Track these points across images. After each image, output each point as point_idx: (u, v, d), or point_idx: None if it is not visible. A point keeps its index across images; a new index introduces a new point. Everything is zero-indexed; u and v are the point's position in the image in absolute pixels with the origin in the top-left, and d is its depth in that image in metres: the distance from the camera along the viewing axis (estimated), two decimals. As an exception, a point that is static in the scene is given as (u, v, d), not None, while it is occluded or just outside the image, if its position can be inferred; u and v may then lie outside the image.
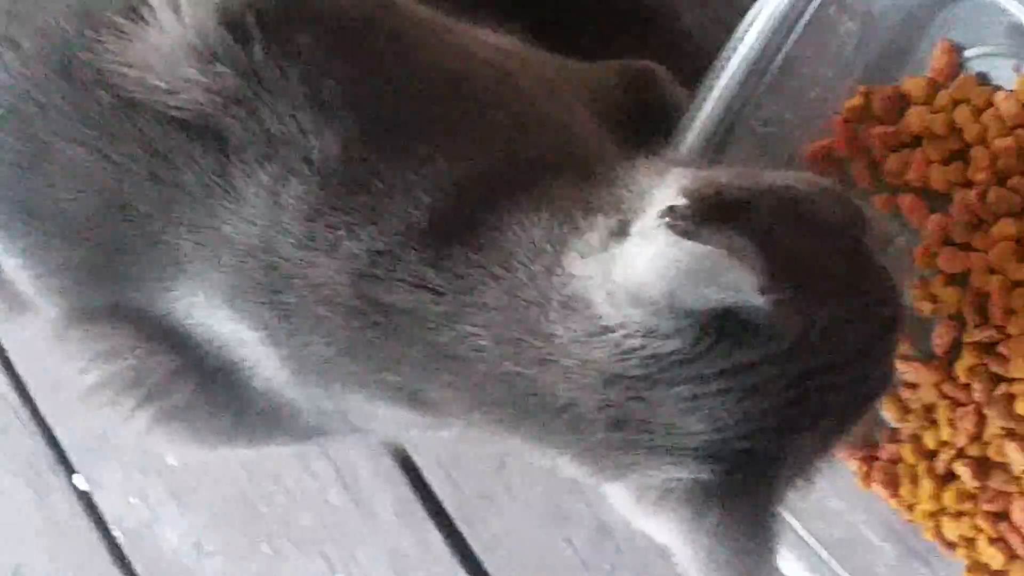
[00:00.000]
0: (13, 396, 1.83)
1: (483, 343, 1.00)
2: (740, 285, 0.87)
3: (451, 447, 1.50)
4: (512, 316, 0.99)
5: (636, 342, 0.93)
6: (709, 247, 0.87)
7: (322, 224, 1.03)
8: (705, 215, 0.91)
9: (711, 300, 0.89)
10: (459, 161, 1.05)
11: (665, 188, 0.97)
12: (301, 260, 1.04)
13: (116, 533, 1.75)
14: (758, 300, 0.88)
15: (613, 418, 0.96)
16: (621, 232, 0.96)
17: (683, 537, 0.97)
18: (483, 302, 1.00)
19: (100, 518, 1.76)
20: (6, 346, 1.84)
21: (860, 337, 0.99)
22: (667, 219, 0.90)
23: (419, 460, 1.55)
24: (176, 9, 1.06)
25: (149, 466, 1.72)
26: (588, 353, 0.95)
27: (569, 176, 1.05)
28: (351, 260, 1.03)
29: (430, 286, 1.01)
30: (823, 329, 0.95)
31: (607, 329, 0.94)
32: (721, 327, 0.92)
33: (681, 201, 0.92)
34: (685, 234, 0.88)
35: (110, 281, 1.12)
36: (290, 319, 1.06)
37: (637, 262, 0.91)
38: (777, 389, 0.94)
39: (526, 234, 1.01)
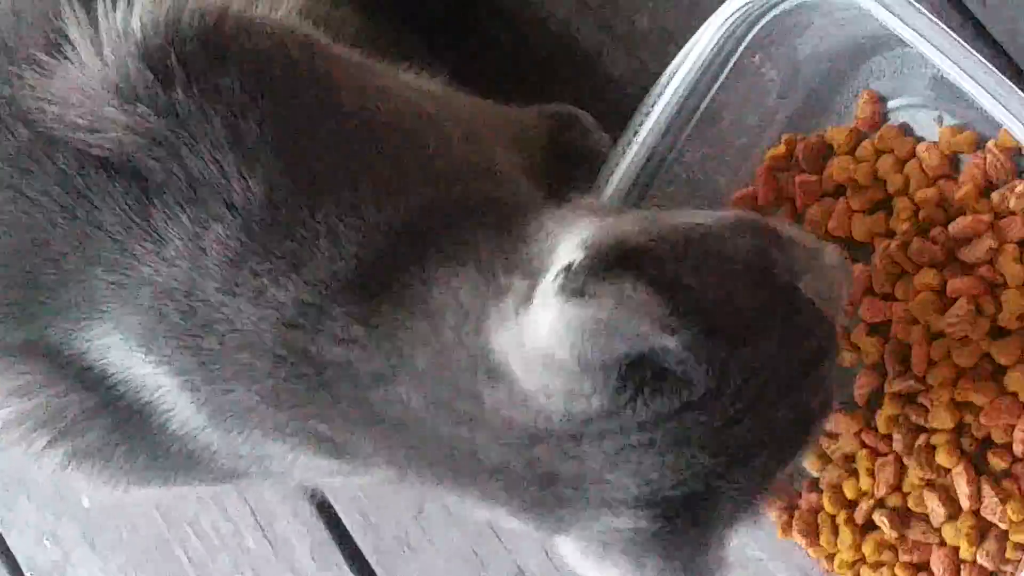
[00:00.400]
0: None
1: (415, 405, 0.99)
2: (640, 332, 0.88)
3: (371, 490, 1.50)
4: (443, 378, 0.99)
5: (558, 404, 0.93)
6: (601, 301, 0.88)
7: (246, 270, 1.02)
8: (605, 267, 0.91)
9: (618, 352, 0.90)
10: (385, 209, 1.04)
11: (569, 243, 0.97)
12: (224, 305, 1.03)
13: (28, 575, 1.74)
14: (662, 343, 0.89)
15: (545, 475, 0.96)
16: (529, 298, 0.95)
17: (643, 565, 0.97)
18: (413, 364, 1.00)
19: (13, 560, 1.74)
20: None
21: (788, 370, 0.99)
22: (560, 279, 0.91)
23: (337, 505, 1.54)
24: (97, 46, 1.05)
25: (63, 508, 1.71)
26: (513, 416, 0.95)
27: (492, 221, 1.04)
28: (276, 309, 1.02)
29: (359, 343, 1.01)
30: (744, 368, 0.95)
31: (528, 395, 0.94)
32: (639, 378, 0.91)
33: (579, 256, 0.92)
34: (576, 293, 0.89)
35: (25, 318, 1.11)
36: (210, 365, 1.05)
37: (540, 329, 0.92)
38: (703, 433, 0.94)
39: (452, 295, 1.00)
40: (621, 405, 0.92)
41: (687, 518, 0.96)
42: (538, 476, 0.97)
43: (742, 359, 0.95)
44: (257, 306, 1.02)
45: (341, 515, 1.54)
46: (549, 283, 0.91)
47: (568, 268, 0.91)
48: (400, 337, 1.00)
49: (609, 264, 0.92)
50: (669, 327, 0.89)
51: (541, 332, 0.91)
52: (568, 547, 1.01)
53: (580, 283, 0.90)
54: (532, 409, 0.94)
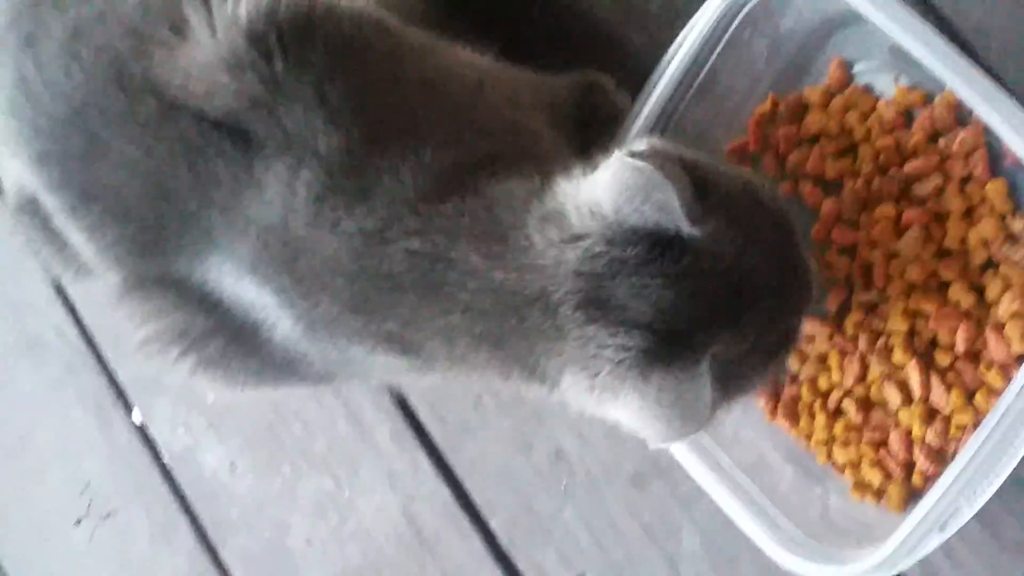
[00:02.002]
0: (81, 344, 1.83)
1: (473, 260, 1.03)
2: (669, 205, 0.95)
3: (436, 387, 1.51)
4: (494, 236, 1.03)
5: (600, 248, 0.99)
6: (644, 163, 0.93)
7: (327, 206, 1.04)
8: (664, 158, 0.97)
9: (649, 219, 0.96)
10: (439, 153, 1.06)
11: (639, 140, 1.06)
12: (309, 236, 1.05)
13: (165, 458, 1.76)
14: (684, 224, 0.96)
15: (580, 300, 0.99)
16: (595, 166, 1.01)
17: (631, 396, 1.00)
18: (472, 233, 1.04)
19: (153, 445, 1.77)
20: (75, 302, 1.83)
21: (780, 286, 1.04)
22: (627, 151, 0.96)
23: (411, 399, 1.55)
24: (212, 28, 1.07)
25: (192, 403, 1.73)
26: (562, 255, 1.00)
27: (528, 166, 1.07)
28: (349, 236, 1.05)
29: (419, 248, 1.04)
30: (752, 265, 1.01)
31: (577, 237, 0.99)
32: (669, 242, 0.97)
33: (645, 145, 1.00)
34: (632, 155, 0.94)
35: (156, 254, 1.13)
36: (302, 284, 1.08)
37: (598, 183, 0.98)
38: (712, 294, 0.99)
39: (503, 185, 1.06)
40: (653, 258, 0.98)
41: (688, 346, 0.99)
42: (574, 300, 1.00)
43: (755, 260, 1.01)
44: (333, 234, 1.05)
45: (414, 407, 1.56)
46: (617, 152, 0.97)
47: (635, 150, 0.97)
48: (456, 220, 1.04)
49: (667, 159, 0.96)
50: (696, 215, 0.96)
51: (598, 185, 0.98)
52: (578, 384, 1.03)
53: (642, 156, 0.95)
54: (578, 250, 0.99)
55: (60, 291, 1.85)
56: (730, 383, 1.04)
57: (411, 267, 1.04)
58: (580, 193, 1.01)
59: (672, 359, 0.99)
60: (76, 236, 1.17)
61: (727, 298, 1.00)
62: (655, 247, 0.98)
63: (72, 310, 1.84)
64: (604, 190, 0.98)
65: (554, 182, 1.04)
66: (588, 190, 1.00)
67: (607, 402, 1.02)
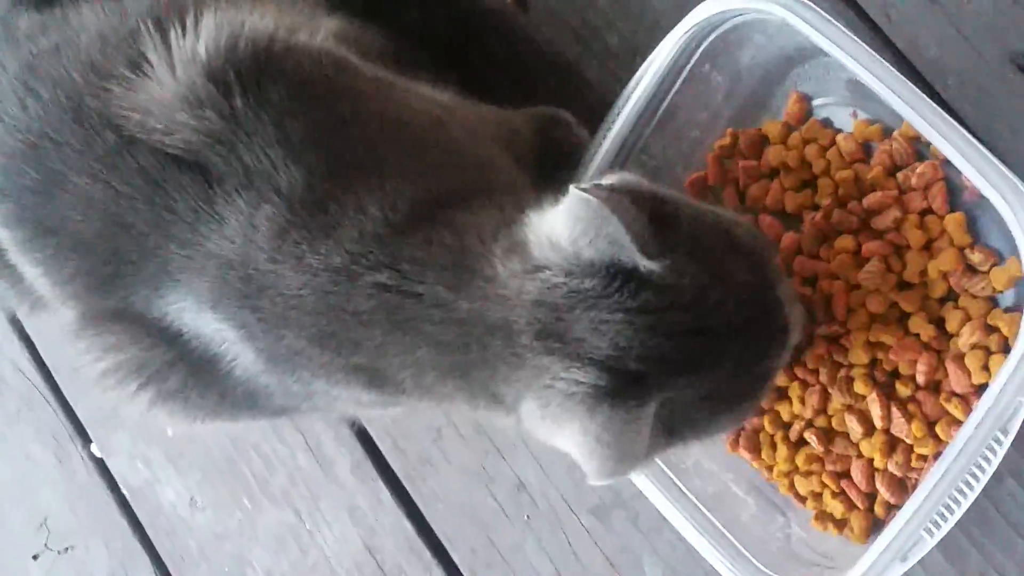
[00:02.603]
0: (38, 379, 1.82)
1: (439, 292, 1.02)
2: (619, 239, 0.95)
3: (399, 420, 1.51)
4: (461, 267, 1.03)
5: (559, 279, 0.98)
6: (592, 197, 0.93)
7: (289, 242, 1.04)
8: (622, 190, 0.97)
9: (605, 252, 0.96)
10: (403, 187, 1.06)
11: (597, 175, 1.07)
12: (272, 272, 1.05)
13: (124, 491, 1.74)
14: (640, 258, 0.96)
15: (539, 330, 0.99)
16: (559, 201, 1.01)
17: (576, 430, 0.99)
18: (439, 264, 1.03)
19: (112, 479, 1.75)
20: (32, 336, 1.82)
21: (747, 329, 1.02)
22: (586, 184, 0.96)
23: (372, 430, 1.55)
24: (171, 66, 1.07)
25: (151, 437, 1.72)
26: (523, 285, 1.00)
27: (489, 199, 1.07)
28: (313, 274, 1.04)
29: (385, 285, 1.04)
30: (717, 304, 0.99)
31: (537, 268, 0.99)
32: (628, 275, 0.97)
33: (607, 179, 1.00)
34: (584, 189, 0.94)
35: (114, 288, 1.12)
36: (265, 319, 1.07)
37: (557, 215, 0.99)
38: (671, 333, 0.98)
39: (473, 216, 1.05)
40: (611, 292, 0.97)
41: (639, 389, 0.98)
42: (532, 331, 1.00)
43: (719, 296, 0.99)
44: (297, 272, 1.04)
45: (375, 439, 1.55)
46: (572, 185, 0.96)
47: (599, 184, 0.97)
48: (424, 252, 1.04)
49: (623, 192, 0.96)
50: (651, 249, 0.95)
51: (557, 216, 0.99)
52: (531, 410, 1.03)
53: (597, 189, 0.94)
54: (538, 280, 0.99)
55: (16, 325, 1.83)
56: (684, 427, 1.04)
57: (380, 302, 1.04)
58: (542, 225, 1.00)
59: (621, 398, 0.98)
60: (31, 270, 1.16)
61: (686, 338, 0.99)
62: (613, 280, 0.97)
63: (29, 344, 1.83)
64: (561, 223, 0.98)
65: (520, 214, 1.04)
66: (548, 222, 1.00)
67: (555, 433, 1.01)
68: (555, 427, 1.01)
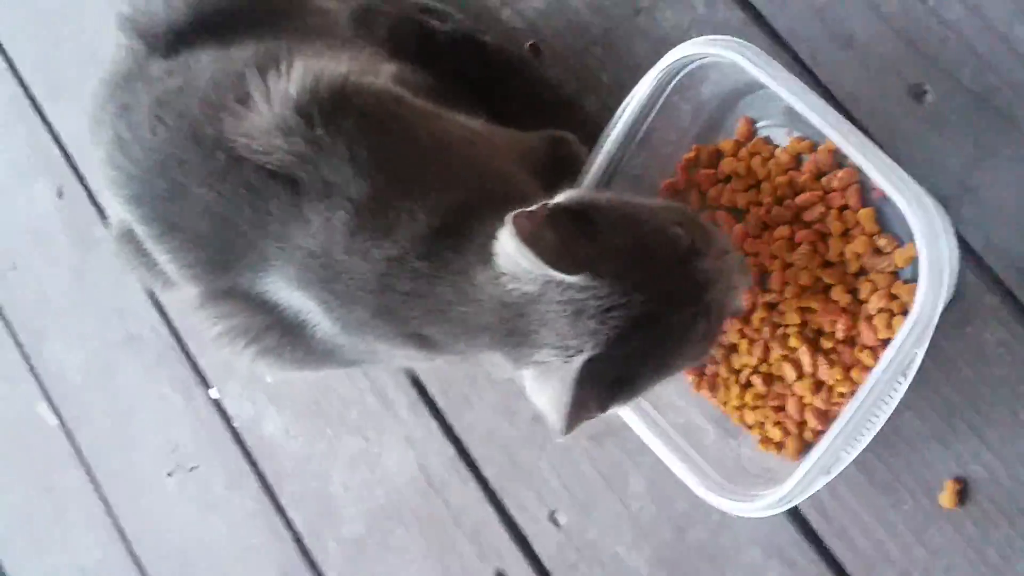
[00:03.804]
0: (170, 339, 1.83)
1: (458, 281, 1.03)
2: (536, 263, 0.94)
3: (440, 370, 1.52)
4: (462, 273, 1.03)
5: (512, 285, 0.99)
6: (509, 230, 0.93)
7: (359, 239, 1.05)
8: (562, 214, 0.98)
9: (533, 266, 0.96)
10: (444, 197, 1.06)
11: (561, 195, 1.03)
12: (345, 262, 1.06)
13: (236, 425, 1.76)
14: (561, 278, 0.96)
15: (507, 327, 1.00)
16: None
17: (552, 390, 0.99)
18: (455, 271, 1.04)
19: (226, 415, 1.77)
20: (165, 307, 1.84)
21: (666, 310, 1.01)
22: (520, 213, 0.94)
23: (422, 378, 1.55)
24: (268, 101, 1.08)
25: (255, 383, 1.73)
26: (492, 290, 1.00)
27: (509, 205, 1.05)
28: (374, 264, 1.05)
29: (425, 274, 1.04)
30: (634, 290, 0.98)
31: (500, 275, 0.99)
32: (563, 284, 0.97)
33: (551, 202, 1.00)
34: (515, 216, 0.94)
35: (225, 272, 1.14)
36: (339, 297, 1.08)
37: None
38: (598, 320, 0.97)
39: (477, 238, 1.04)
40: (547, 291, 0.98)
41: (596, 367, 0.98)
42: (504, 328, 1.01)
43: (642, 298, 0.98)
44: (365, 261, 1.05)
45: (425, 384, 1.56)
46: (512, 213, 0.95)
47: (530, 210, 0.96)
48: (451, 261, 1.04)
49: (547, 215, 0.97)
50: (564, 267, 0.95)
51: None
52: (527, 378, 1.03)
53: (519, 218, 0.94)
54: (501, 285, 0.99)
55: (153, 298, 1.84)
56: (613, 390, 1.03)
57: (421, 285, 1.05)
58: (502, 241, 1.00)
59: (559, 373, 0.99)
60: (162, 258, 1.18)
61: (607, 322, 0.98)
62: (548, 283, 0.98)
63: (163, 313, 1.84)
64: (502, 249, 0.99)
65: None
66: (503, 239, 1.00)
67: (536, 394, 1.02)
68: (537, 390, 1.02)
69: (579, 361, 0.97)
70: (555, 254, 0.94)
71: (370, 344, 1.13)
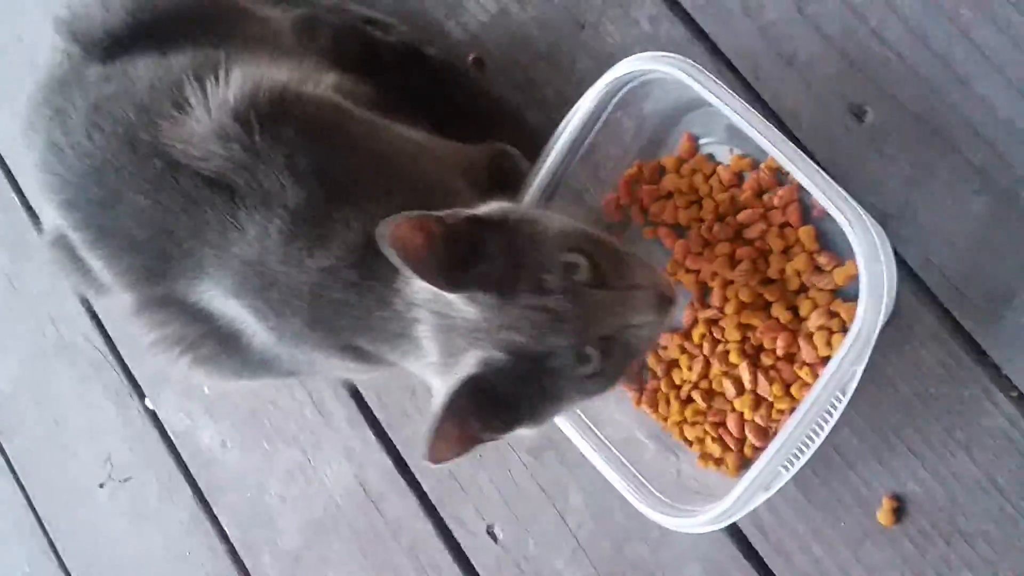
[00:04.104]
0: (104, 347, 1.80)
1: (383, 293, 1.04)
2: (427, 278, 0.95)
3: (380, 381, 1.50)
4: (385, 283, 1.04)
5: (420, 294, 1.01)
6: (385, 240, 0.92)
7: (293, 248, 1.04)
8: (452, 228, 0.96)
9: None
10: (379, 207, 1.04)
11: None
12: (280, 271, 1.05)
13: (171, 435, 1.73)
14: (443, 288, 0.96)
15: (411, 336, 1.03)
16: None
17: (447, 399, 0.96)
18: (380, 278, 1.04)
19: (161, 426, 1.74)
20: (99, 314, 1.82)
21: (539, 341, 0.98)
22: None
23: (362, 390, 1.54)
24: (207, 108, 1.07)
25: (192, 393, 1.71)
26: (407, 296, 1.02)
27: None
28: (308, 273, 1.05)
29: (355, 283, 1.04)
30: (500, 320, 0.97)
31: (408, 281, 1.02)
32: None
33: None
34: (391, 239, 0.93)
35: (160, 279, 1.13)
36: (274, 306, 1.08)
37: None
38: (476, 341, 0.98)
39: None
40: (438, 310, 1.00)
41: (477, 393, 0.97)
42: (410, 337, 1.03)
43: (500, 311, 0.98)
44: (299, 271, 1.05)
45: (364, 397, 1.55)
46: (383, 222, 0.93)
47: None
48: (378, 269, 1.03)
49: (459, 224, 0.97)
50: (448, 284, 0.96)
51: None
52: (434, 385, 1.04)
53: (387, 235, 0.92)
54: (412, 301, 1.02)
55: (87, 306, 1.82)
56: (497, 416, 1.00)
57: (351, 294, 1.05)
58: None
59: (513, 373, 0.99)
60: (96, 264, 1.16)
61: (478, 346, 0.98)
62: (437, 294, 0.98)
63: (97, 321, 1.81)
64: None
65: None
66: None
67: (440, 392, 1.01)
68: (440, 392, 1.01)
69: (451, 384, 0.96)
70: (433, 265, 0.94)
71: (307, 354, 1.13)
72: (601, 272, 1.00)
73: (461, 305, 0.97)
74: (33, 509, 1.89)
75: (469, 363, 0.98)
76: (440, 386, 1.00)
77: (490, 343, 0.97)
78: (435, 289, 0.97)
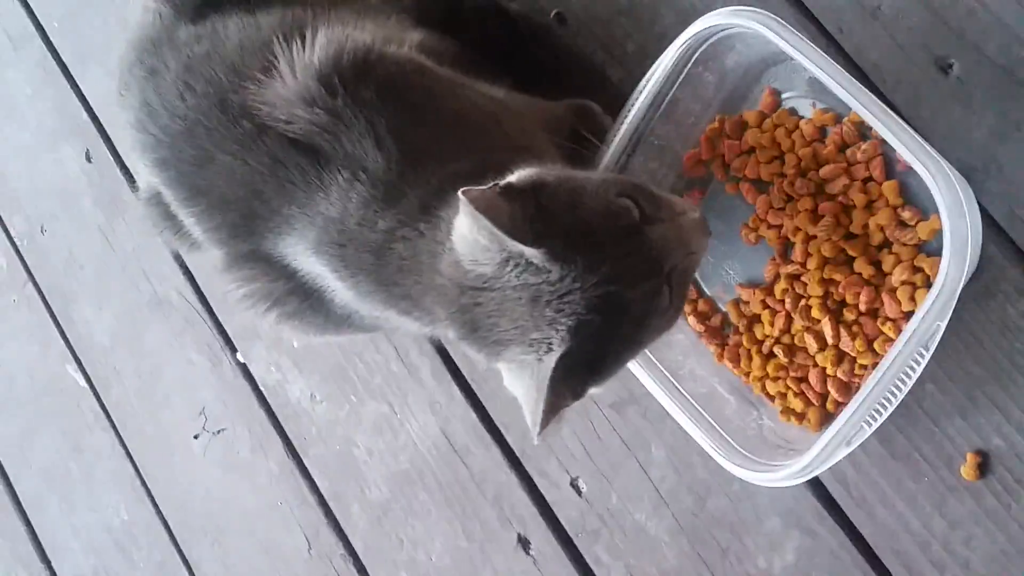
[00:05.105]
0: (196, 302, 1.84)
1: (439, 265, 1.01)
2: (494, 233, 0.92)
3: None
4: (440, 248, 1.02)
5: (468, 266, 0.97)
6: (465, 200, 0.90)
7: (370, 209, 1.06)
8: (510, 189, 0.94)
9: (491, 242, 0.94)
10: (458, 164, 1.06)
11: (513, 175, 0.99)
12: (357, 230, 1.07)
13: (262, 388, 1.76)
14: (519, 249, 0.93)
15: (470, 317, 1.00)
16: None
17: (526, 388, 0.98)
18: (442, 243, 1.02)
19: (252, 379, 1.77)
20: (192, 270, 1.85)
21: (629, 290, 0.97)
22: (472, 192, 0.91)
23: (446, 344, 1.56)
24: (293, 71, 1.08)
25: (281, 347, 1.73)
26: (451, 272, 1.00)
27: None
28: (378, 233, 1.06)
29: (417, 241, 1.04)
30: (589, 272, 0.94)
31: (457, 260, 0.99)
32: (516, 260, 0.94)
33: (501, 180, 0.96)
34: (465, 191, 0.91)
35: (249, 236, 1.15)
36: (349, 264, 1.09)
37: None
38: (556, 307, 0.95)
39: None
40: (506, 274, 0.95)
41: (570, 362, 0.96)
42: (469, 318, 1.00)
43: (587, 266, 0.94)
44: (371, 231, 1.06)
45: (448, 350, 1.57)
46: (462, 189, 0.91)
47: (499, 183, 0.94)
48: (439, 228, 1.03)
49: (516, 189, 0.94)
50: (522, 237, 0.92)
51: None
52: (503, 370, 1.03)
53: (473, 192, 0.91)
54: (459, 267, 0.98)
55: (180, 261, 1.85)
56: (585, 379, 0.99)
57: (409, 253, 1.05)
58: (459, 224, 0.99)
59: (530, 369, 0.98)
60: (188, 221, 1.20)
61: (564, 310, 0.95)
62: (505, 264, 0.95)
63: (189, 275, 1.85)
64: (461, 219, 0.97)
65: None
66: (460, 223, 0.99)
67: (513, 385, 1.02)
68: (513, 382, 1.02)
69: (551, 361, 0.95)
70: (512, 224, 0.92)
71: (379, 311, 1.13)
72: (647, 211, 1.00)
73: (536, 268, 0.94)
74: (131, 458, 1.93)
75: (561, 336, 0.95)
76: (522, 369, 0.99)
77: (582, 304, 0.95)
78: (500, 258, 0.95)
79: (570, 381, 0.97)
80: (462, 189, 0.90)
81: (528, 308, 0.96)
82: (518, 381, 1.00)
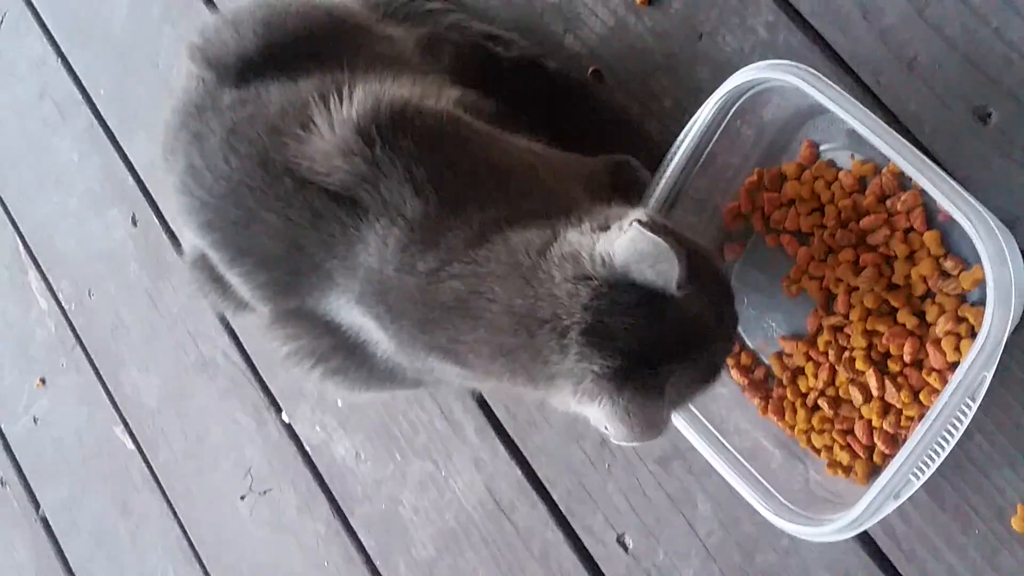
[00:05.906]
0: (242, 363, 1.85)
1: (496, 290, 1.03)
2: (668, 275, 0.96)
3: (508, 391, 1.51)
4: (515, 271, 1.03)
5: (605, 290, 0.99)
6: (659, 239, 0.94)
7: (408, 254, 1.07)
8: (661, 229, 0.96)
9: (648, 278, 0.97)
10: (492, 213, 1.08)
11: (635, 213, 1.01)
12: (396, 277, 1.07)
13: (307, 448, 1.77)
14: (673, 290, 0.97)
15: (584, 328, 0.99)
16: (604, 228, 1.02)
17: (606, 403, 0.99)
18: (496, 273, 1.04)
19: (298, 439, 1.78)
20: (237, 331, 1.87)
21: (718, 333, 1.05)
22: (640, 219, 0.96)
23: (490, 400, 1.56)
24: (331, 125, 1.10)
25: (326, 406, 1.74)
26: (575, 290, 0.99)
27: (543, 222, 1.08)
28: (418, 277, 1.07)
29: (464, 279, 1.05)
30: (707, 320, 1.02)
31: (587, 278, 0.99)
32: (656, 295, 0.98)
33: (648, 216, 0.99)
34: (651, 230, 0.94)
35: (293, 293, 1.16)
36: (391, 312, 1.10)
37: (613, 241, 0.98)
38: (678, 337, 1.00)
39: (523, 235, 1.05)
40: (640, 305, 0.99)
41: (654, 374, 1.00)
42: (579, 327, 1.00)
43: (708, 315, 1.02)
44: (411, 276, 1.07)
45: (491, 406, 1.57)
46: (628, 222, 0.97)
47: (642, 219, 0.97)
48: (490, 263, 1.05)
49: (669, 234, 0.97)
50: (683, 282, 0.97)
51: (613, 243, 0.98)
52: (564, 393, 1.03)
53: (652, 228, 0.95)
54: (588, 288, 0.99)
55: (225, 323, 1.87)
56: (676, 399, 1.05)
57: (455, 297, 1.05)
58: (596, 245, 1.00)
59: (642, 381, 0.99)
60: (234, 281, 1.20)
61: (686, 340, 1.01)
62: (644, 298, 0.98)
63: (235, 337, 1.86)
64: (619, 248, 0.98)
65: (568, 232, 1.04)
66: (603, 244, 1.00)
67: (585, 404, 1.01)
68: (587, 400, 1.01)
69: (668, 373, 1.00)
70: (684, 269, 0.97)
71: (422, 361, 1.14)
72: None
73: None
74: (178, 520, 1.95)
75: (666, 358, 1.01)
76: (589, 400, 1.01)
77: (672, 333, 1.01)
78: (609, 283, 0.99)
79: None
80: (634, 217, 0.98)
81: (648, 328, 1.00)
82: (608, 387, 1.01)
